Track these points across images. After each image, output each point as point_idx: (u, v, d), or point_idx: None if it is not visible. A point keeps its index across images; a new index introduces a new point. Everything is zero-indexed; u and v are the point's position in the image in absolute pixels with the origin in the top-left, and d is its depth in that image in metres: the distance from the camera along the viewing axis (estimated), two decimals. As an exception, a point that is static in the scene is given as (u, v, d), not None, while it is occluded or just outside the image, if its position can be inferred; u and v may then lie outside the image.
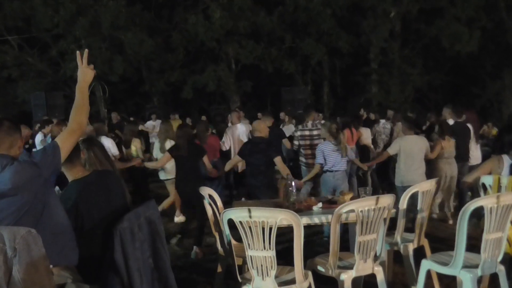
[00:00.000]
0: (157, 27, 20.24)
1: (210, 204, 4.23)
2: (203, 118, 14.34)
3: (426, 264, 3.69)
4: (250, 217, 3.13)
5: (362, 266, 3.51)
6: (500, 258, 3.47)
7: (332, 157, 5.77)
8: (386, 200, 3.47)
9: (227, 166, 6.07)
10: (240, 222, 3.18)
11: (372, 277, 3.67)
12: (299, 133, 7.18)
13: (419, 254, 4.15)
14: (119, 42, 18.99)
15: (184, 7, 19.88)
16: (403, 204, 4.10)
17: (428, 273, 3.77)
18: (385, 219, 3.58)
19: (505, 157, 3.95)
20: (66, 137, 2.73)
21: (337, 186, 5.79)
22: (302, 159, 7.14)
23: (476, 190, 4.77)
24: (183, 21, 19.34)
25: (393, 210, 3.83)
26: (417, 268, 3.90)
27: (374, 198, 3.41)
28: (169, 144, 7.01)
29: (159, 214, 3.23)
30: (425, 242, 4.33)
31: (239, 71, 20.93)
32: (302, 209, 4.03)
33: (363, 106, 14.16)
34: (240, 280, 3.41)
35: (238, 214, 3.21)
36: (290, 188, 4.19)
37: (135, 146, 7.22)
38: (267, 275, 3.22)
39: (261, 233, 3.14)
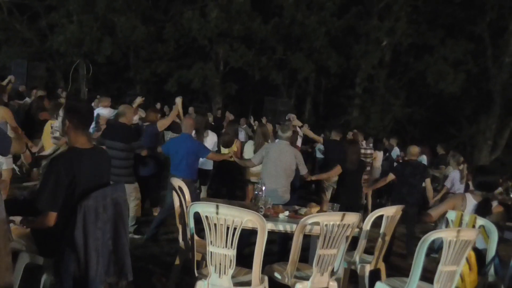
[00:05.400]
0: (152, 16, 20.12)
1: (178, 196, 4.21)
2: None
3: (380, 287, 3.76)
4: (217, 213, 3.14)
5: (318, 279, 3.55)
6: (451, 291, 3.55)
7: (457, 184, 7.47)
8: (352, 218, 3.52)
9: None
10: (206, 217, 3.18)
11: (326, 291, 3.71)
12: None
13: (375, 276, 4.22)
14: (112, 24, 18.78)
15: (182, 1, 19.83)
16: (367, 225, 4.18)
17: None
18: (347, 237, 3.63)
19: (469, 196, 4.06)
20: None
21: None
22: None
23: None
24: (178, 14, 19.30)
25: (357, 230, 3.89)
26: (370, 290, 3.97)
27: (340, 214, 3.46)
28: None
29: (126, 197, 3.21)
30: (382, 266, 4.41)
31: (226, 73, 20.92)
32: (268, 215, 4.06)
33: (341, 128, 14.34)
34: (196, 274, 3.40)
35: (205, 208, 3.21)
36: (260, 192, 4.21)
37: (237, 147, 6.79)
38: (225, 273, 3.22)
39: (225, 231, 3.15)
